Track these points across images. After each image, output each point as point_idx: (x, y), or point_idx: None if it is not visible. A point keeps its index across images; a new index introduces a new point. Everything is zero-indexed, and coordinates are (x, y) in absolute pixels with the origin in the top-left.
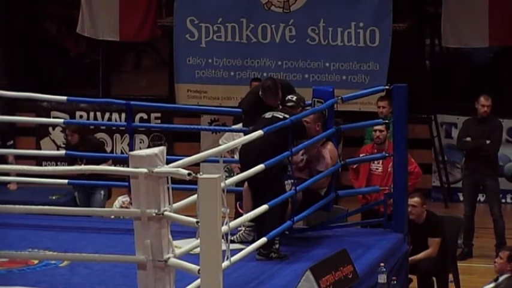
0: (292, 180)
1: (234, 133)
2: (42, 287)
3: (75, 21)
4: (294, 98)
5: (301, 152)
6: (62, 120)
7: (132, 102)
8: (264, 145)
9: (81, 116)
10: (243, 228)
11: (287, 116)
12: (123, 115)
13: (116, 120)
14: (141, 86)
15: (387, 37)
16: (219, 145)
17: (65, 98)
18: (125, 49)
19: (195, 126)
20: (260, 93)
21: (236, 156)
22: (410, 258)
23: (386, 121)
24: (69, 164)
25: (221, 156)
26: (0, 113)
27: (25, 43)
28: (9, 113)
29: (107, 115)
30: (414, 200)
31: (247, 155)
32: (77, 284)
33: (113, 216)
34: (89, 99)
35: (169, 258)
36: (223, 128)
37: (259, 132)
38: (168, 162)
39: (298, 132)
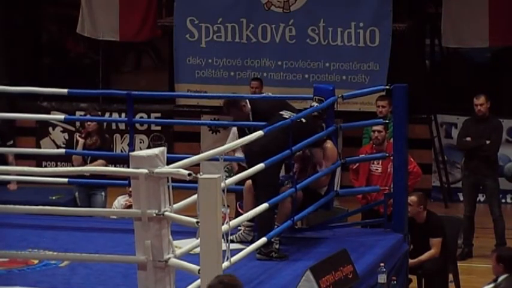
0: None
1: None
2: (42, 287)
3: (75, 21)
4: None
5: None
6: (62, 117)
7: (133, 92)
8: (271, 144)
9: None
10: (243, 228)
11: (304, 120)
12: (123, 115)
13: None
14: (141, 86)
15: (387, 37)
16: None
17: (65, 90)
18: (125, 49)
19: (197, 121)
20: None
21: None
22: (414, 260)
23: (387, 121)
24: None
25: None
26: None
27: (25, 43)
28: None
29: (107, 115)
30: (410, 198)
31: (252, 153)
32: (77, 284)
33: (114, 216)
34: (90, 91)
35: (169, 258)
36: (225, 122)
37: (260, 133)
38: (169, 161)
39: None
